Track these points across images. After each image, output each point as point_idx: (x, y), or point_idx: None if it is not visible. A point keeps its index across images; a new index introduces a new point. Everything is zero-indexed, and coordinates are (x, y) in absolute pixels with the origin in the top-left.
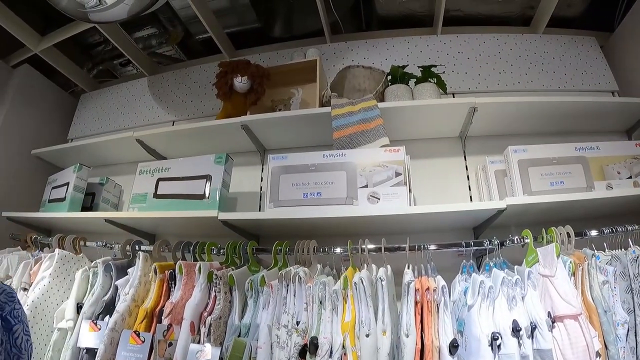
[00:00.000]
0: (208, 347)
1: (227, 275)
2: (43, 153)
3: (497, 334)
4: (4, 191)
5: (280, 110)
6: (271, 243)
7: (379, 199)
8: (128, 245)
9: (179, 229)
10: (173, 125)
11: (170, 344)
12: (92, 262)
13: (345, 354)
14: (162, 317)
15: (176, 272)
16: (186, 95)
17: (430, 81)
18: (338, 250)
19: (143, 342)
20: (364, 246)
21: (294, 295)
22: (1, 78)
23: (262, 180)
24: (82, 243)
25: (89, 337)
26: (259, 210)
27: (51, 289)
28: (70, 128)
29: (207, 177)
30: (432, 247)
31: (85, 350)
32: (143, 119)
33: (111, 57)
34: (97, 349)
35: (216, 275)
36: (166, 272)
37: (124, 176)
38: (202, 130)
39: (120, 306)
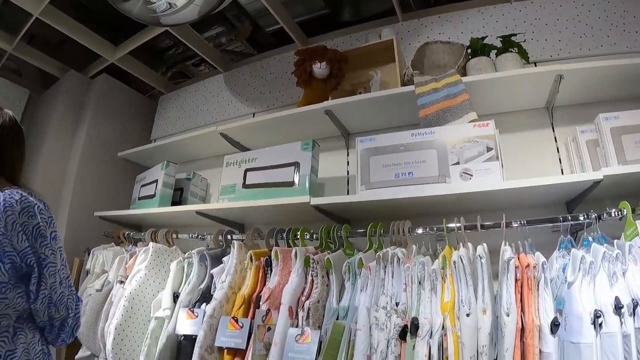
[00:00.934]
0: (308, 330)
1: (324, 259)
2: (129, 155)
3: (599, 312)
4: (95, 192)
5: (360, 93)
6: (360, 226)
7: (472, 175)
8: (220, 235)
9: (266, 217)
10: (254, 117)
11: (269, 329)
12: (184, 253)
13: (445, 335)
14: (260, 303)
15: (272, 258)
16: (264, 87)
17: (511, 51)
18: (434, 229)
19: (241, 327)
20: (459, 224)
21: (392, 277)
22: (82, 89)
23: (348, 164)
24: (174, 236)
25: (186, 324)
26: (347, 194)
27: (147, 281)
28: (153, 129)
29: (296, 164)
30: (529, 223)
31: (182, 337)
32: (223, 114)
33: (183, 59)
34: (195, 335)
35: (313, 259)
36: (261, 259)
37: (209, 170)
38: (285, 118)
39: (217, 294)
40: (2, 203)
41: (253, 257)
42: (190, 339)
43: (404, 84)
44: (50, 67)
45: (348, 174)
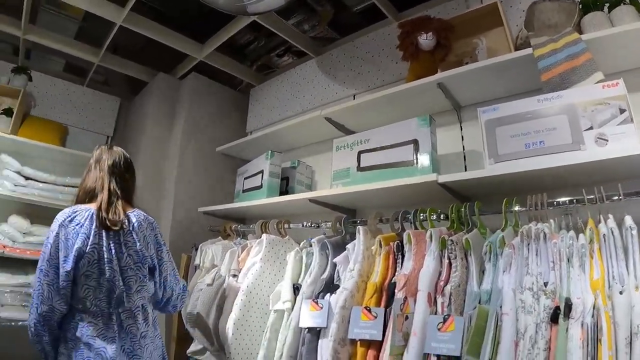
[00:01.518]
0: (452, 317)
1: (462, 240)
2: (227, 149)
3: None
4: (196, 189)
5: (467, 63)
6: (486, 203)
7: (607, 141)
8: (339, 222)
9: (381, 200)
10: (354, 99)
11: (407, 318)
12: (297, 243)
13: (596, 315)
14: (396, 290)
15: (404, 242)
16: (361, 67)
17: (624, 3)
18: (574, 201)
19: (375, 317)
20: (599, 194)
21: (536, 254)
22: (173, 90)
23: (462, 140)
24: (286, 226)
25: (310, 316)
26: (465, 170)
27: (263, 273)
28: (247, 122)
29: (414, 142)
30: None
31: (307, 329)
32: (321, 99)
33: (267, 51)
34: (319, 327)
35: (451, 240)
36: (391, 243)
37: (310, 157)
38: (395, 95)
39: (347, 283)
40: (139, 222)
41: (382, 242)
42: (315, 332)
43: (517, 48)
44: (137, 72)
45: (464, 149)
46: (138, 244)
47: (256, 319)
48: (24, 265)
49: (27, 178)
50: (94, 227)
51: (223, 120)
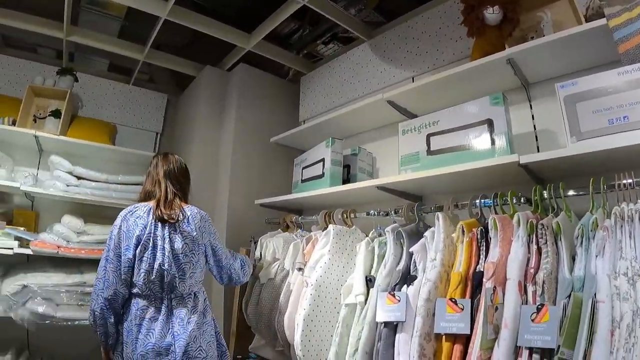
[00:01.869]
0: (546, 306)
1: (552, 224)
2: (281, 139)
3: None
4: (251, 181)
5: (532, 38)
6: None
7: None
8: (410, 210)
9: (451, 185)
10: (413, 81)
11: (496, 309)
12: (363, 233)
13: None
14: (484, 280)
15: (489, 227)
16: (418, 47)
17: None
18: None
19: (462, 309)
20: None
21: (630, 237)
22: (221, 82)
23: (533, 118)
24: (352, 215)
25: (387, 310)
26: (537, 150)
27: (332, 266)
28: (300, 110)
29: (488, 122)
30: None
31: (383, 324)
32: (377, 84)
33: (313, 39)
34: (396, 321)
35: (541, 225)
36: (474, 230)
37: (369, 144)
38: (463, 74)
39: (430, 274)
40: (193, 215)
41: (465, 229)
42: (391, 326)
43: (587, 19)
44: (184, 67)
45: (535, 129)
46: (194, 232)
47: (326, 314)
48: (79, 264)
49: (79, 178)
50: (150, 218)
51: (274, 111)
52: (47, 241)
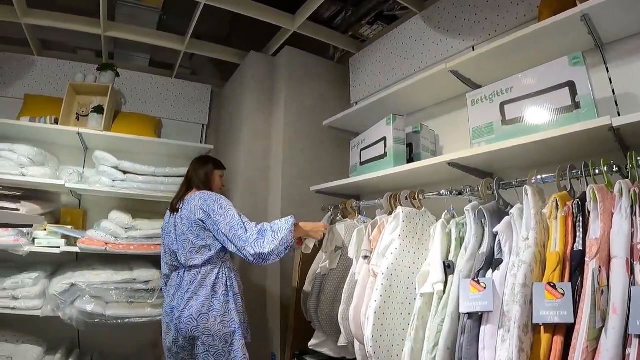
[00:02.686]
0: None
1: None
2: (334, 122)
3: None
4: (304, 167)
5: None
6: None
7: None
8: (488, 187)
9: (525, 159)
10: (473, 50)
11: (602, 292)
12: (434, 216)
13: None
14: (587, 259)
15: (588, 199)
16: (475, 15)
17: None
18: None
19: (563, 295)
20: None
21: None
22: (267, 68)
23: (610, 82)
24: (421, 196)
25: (472, 299)
26: (618, 115)
27: (403, 252)
28: (351, 91)
29: (569, 84)
30: None
31: (467, 315)
32: (434, 56)
33: (357, 19)
34: (481, 312)
35: None
36: (568, 203)
37: (432, 121)
38: (532, 35)
39: (525, 255)
40: (189, 199)
41: (559, 203)
42: (476, 317)
43: None
44: (227, 55)
45: (614, 93)
46: (187, 212)
47: (398, 305)
48: (129, 260)
49: (125, 172)
50: (168, 211)
51: (324, 94)
52: (95, 238)
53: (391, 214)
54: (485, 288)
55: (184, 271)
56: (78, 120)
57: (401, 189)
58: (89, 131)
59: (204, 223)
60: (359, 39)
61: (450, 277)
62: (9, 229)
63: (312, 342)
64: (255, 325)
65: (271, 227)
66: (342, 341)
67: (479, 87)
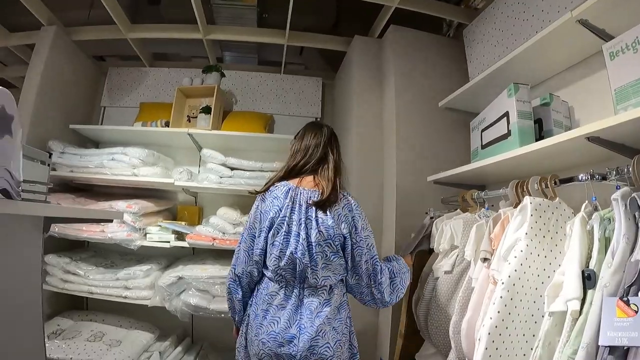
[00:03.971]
0: None
1: None
2: (452, 101)
3: None
4: (421, 155)
5: None
6: None
7: None
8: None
9: None
10: None
11: None
12: (571, 208)
13: None
14: None
15: None
16: None
17: None
18: None
19: (636, 312)
20: None
21: None
22: (374, 51)
23: None
24: (554, 183)
25: (616, 326)
26: None
27: (530, 255)
28: (469, 68)
29: None
30: None
31: (607, 349)
32: (556, 11)
33: None
34: (629, 346)
35: None
36: None
37: (561, 91)
38: None
39: None
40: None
41: None
42: (621, 353)
43: None
44: (331, 43)
45: None
46: (330, 220)
47: (519, 324)
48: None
49: (232, 169)
50: (287, 200)
51: (438, 72)
52: (202, 234)
53: (517, 205)
54: (637, 313)
55: (307, 289)
56: (189, 122)
57: (530, 176)
58: (197, 131)
59: (341, 238)
60: (472, 8)
61: (590, 293)
62: (124, 225)
63: (419, 354)
64: (366, 326)
65: (395, 272)
66: (452, 358)
67: (612, 37)
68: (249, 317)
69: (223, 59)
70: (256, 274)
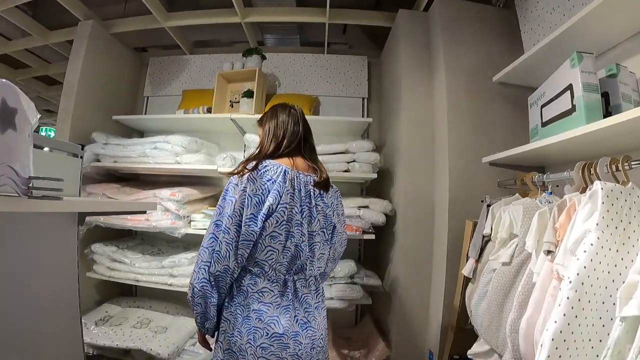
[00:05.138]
0: None
1: None
2: (507, 75)
3: None
4: (474, 135)
5: None
6: None
7: None
8: None
9: None
10: None
11: None
12: None
13: None
14: None
15: None
16: None
17: None
18: None
19: None
20: None
21: None
22: (420, 25)
23: None
24: (626, 165)
25: None
26: None
27: (601, 250)
28: (523, 39)
29: None
30: None
31: None
32: None
33: None
34: None
35: None
36: None
37: (629, 60)
38: None
39: None
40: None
41: None
42: None
43: None
44: (374, 19)
45: None
46: (328, 209)
47: (586, 328)
48: None
49: None
50: (287, 185)
51: (491, 45)
52: None
53: (584, 191)
54: None
55: (299, 282)
56: (232, 107)
57: (596, 156)
58: (240, 116)
59: (333, 229)
60: None
61: None
62: (168, 213)
63: (472, 351)
64: (414, 318)
65: None
66: (507, 358)
67: None
68: (228, 322)
69: (264, 42)
70: (238, 269)
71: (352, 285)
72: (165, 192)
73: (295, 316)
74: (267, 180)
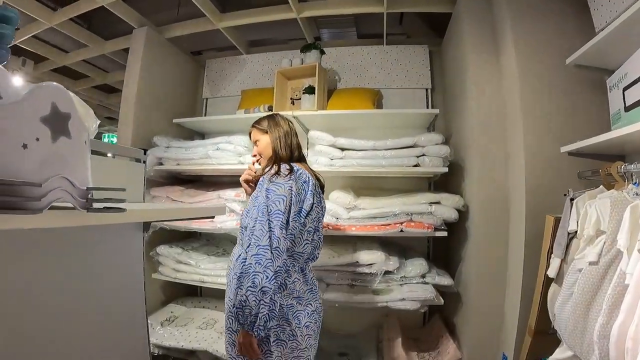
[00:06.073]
0: None
1: None
2: (583, 57)
3: None
4: (551, 122)
5: None
6: None
7: None
8: None
9: None
10: None
11: None
12: None
13: None
14: None
15: None
16: None
17: None
18: None
19: None
20: None
21: None
22: (485, 6)
23: None
24: None
25: None
26: None
27: None
28: (593, 17)
29: None
30: None
31: None
32: None
33: None
34: None
35: None
36: None
37: None
38: None
39: None
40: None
41: None
42: None
43: None
44: (434, 5)
45: None
46: (322, 202)
47: None
48: (355, 241)
49: (342, 149)
50: (313, 187)
51: (564, 25)
52: None
53: None
54: None
55: (308, 268)
56: (293, 104)
57: None
58: (302, 112)
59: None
60: None
61: None
62: (233, 214)
63: (554, 356)
64: (488, 318)
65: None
66: None
67: None
68: (285, 314)
69: (321, 37)
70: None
71: (424, 285)
72: (229, 193)
73: (315, 295)
74: (304, 182)
